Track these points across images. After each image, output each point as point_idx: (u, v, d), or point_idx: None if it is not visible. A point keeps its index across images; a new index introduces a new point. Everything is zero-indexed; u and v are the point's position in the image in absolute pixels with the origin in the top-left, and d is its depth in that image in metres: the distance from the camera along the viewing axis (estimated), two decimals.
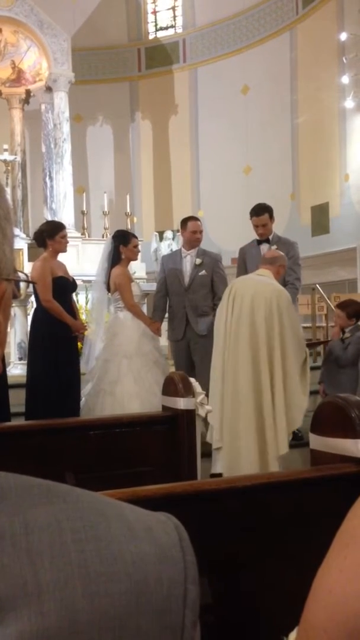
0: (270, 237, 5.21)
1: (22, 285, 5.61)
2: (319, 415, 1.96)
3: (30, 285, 5.35)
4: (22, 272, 7.45)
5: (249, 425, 3.89)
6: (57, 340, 4.63)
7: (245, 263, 5.26)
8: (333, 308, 6.05)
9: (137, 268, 9.40)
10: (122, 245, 4.99)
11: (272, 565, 1.66)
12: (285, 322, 4.03)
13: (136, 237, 5.22)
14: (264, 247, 5.19)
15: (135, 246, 5.08)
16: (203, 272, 5.15)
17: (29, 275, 5.01)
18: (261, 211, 5.16)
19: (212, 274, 5.17)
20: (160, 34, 13.46)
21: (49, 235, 4.78)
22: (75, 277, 5.08)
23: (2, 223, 0.49)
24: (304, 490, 1.81)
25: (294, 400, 3.98)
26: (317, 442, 1.93)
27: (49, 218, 10.08)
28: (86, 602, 0.42)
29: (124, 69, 13.36)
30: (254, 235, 5.34)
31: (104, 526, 0.46)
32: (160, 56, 13.18)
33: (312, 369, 5.50)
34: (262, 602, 1.65)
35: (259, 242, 5.24)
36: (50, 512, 0.45)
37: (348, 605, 0.53)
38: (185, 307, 5.15)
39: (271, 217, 5.19)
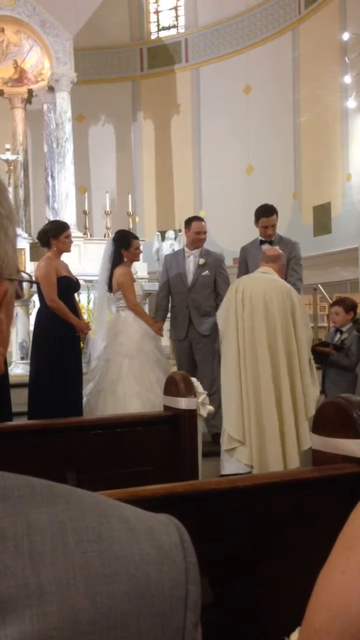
0: (273, 237, 5.21)
1: (26, 285, 5.61)
2: (320, 416, 1.95)
3: (34, 285, 5.34)
4: (25, 272, 7.46)
5: (273, 420, 3.89)
6: (61, 340, 4.63)
7: (246, 262, 5.26)
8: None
9: (139, 268, 9.41)
10: (124, 249, 4.99)
11: (273, 565, 1.66)
12: (298, 317, 4.06)
13: (137, 238, 5.20)
14: (266, 247, 5.19)
15: (137, 248, 5.08)
16: (206, 272, 5.15)
17: (32, 275, 5.01)
18: (271, 212, 5.17)
19: (215, 274, 5.17)
20: (162, 33, 13.47)
21: (54, 235, 4.78)
22: (77, 277, 5.08)
23: (4, 222, 0.49)
24: (305, 491, 1.81)
25: (308, 392, 4.01)
26: (318, 442, 1.93)
27: (51, 218, 10.09)
28: (88, 603, 0.42)
29: (126, 68, 13.36)
30: (255, 235, 5.34)
31: (106, 527, 0.46)
32: (162, 56, 13.18)
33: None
34: (263, 602, 1.65)
35: (262, 242, 5.24)
36: (52, 513, 0.45)
37: (351, 606, 0.53)
38: (188, 307, 5.14)
39: (277, 217, 5.21)
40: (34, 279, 4.83)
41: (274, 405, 3.90)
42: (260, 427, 3.90)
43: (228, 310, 4.20)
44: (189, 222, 5.35)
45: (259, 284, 4.16)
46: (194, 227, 5.24)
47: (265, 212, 5.17)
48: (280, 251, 4.55)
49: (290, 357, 3.98)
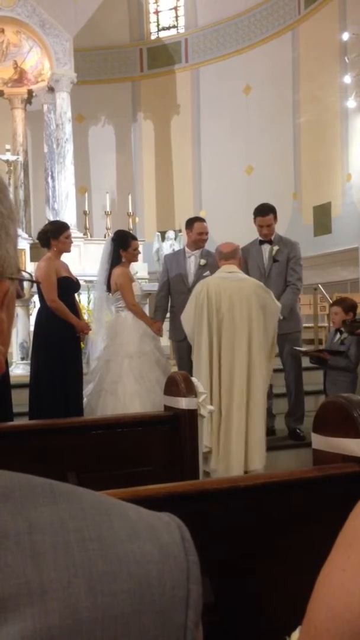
0: (272, 237, 5.20)
1: (26, 285, 5.61)
2: (321, 415, 1.95)
3: (35, 285, 5.34)
4: (26, 271, 7.46)
5: (240, 424, 3.92)
6: (61, 341, 4.63)
7: (246, 262, 5.26)
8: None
9: (139, 268, 9.40)
10: (122, 249, 4.99)
11: (273, 565, 1.66)
12: (268, 310, 4.12)
13: (136, 239, 5.20)
14: (266, 247, 5.19)
15: (135, 249, 5.08)
16: (207, 272, 5.14)
17: (33, 274, 5.01)
18: (267, 211, 5.15)
19: None
20: (162, 34, 13.47)
21: (54, 236, 4.78)
22: (77, 277, 5.08)
23: (5, 222, 0.49)
24: (305, 490, 1.81)
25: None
26: (319, 441, 1.93)
27: (51, 218, 10.08)
28: (89, 602, 0.42)
29: (126, 69, 13.36)
30: (256, 235, 5.33)
31: (107, 526, 0.46)
32: (162, 56, 13.18)
33: (311, 369, 5.51)
34: (264, 601, 1.65)
35: (261, 242, 5.24)
36: (53, 512, 0.45)
37: (351, 605, 0.53)
38: None
39: (275, 217, 5.19)
40: (34, 278, 4.82)
41: (244, 413, 3.93)
42: (228, 434, 3.93)
43: (197, 313, 4.16)
44: (191, 222, 5.34)
45: (229, 286, 4.13)
46: (197, 228, 5.23)
47: (262, 212, 5.17)
48: (235, 244, 4.54)
49: (258, 354, 4.03)
